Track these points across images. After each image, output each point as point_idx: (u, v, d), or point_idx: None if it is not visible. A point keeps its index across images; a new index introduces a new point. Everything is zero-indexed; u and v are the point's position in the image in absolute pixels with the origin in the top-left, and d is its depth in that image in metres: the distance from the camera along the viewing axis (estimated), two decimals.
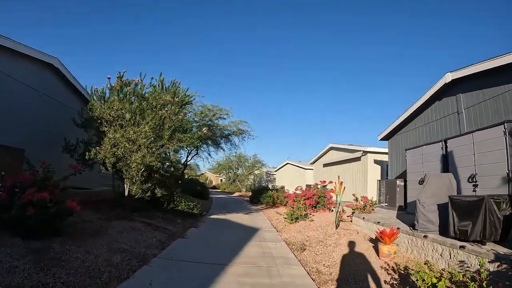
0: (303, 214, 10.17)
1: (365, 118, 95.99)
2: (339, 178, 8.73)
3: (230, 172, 40.32)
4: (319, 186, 13.84)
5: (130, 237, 6.25)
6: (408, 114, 11.70)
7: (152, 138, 7.73)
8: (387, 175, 16.88)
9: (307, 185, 23.46)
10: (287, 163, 33.36)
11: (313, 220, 9.96)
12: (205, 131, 8.25)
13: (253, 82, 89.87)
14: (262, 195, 17.69)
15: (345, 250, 6.11)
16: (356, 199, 9.84)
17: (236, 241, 6.79)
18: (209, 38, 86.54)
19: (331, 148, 21.80)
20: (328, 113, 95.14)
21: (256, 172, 39.51)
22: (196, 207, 10.61)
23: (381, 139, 14.23)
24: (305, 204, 11.49)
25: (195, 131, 8.00)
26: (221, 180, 50.74)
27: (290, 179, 31.64)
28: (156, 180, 9.00)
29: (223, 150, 14.79)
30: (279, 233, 8.32)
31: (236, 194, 32.20)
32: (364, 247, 6.24)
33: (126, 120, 8.02)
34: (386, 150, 16.85)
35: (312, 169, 26.89)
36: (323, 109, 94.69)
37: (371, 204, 9.32)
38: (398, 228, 6.00)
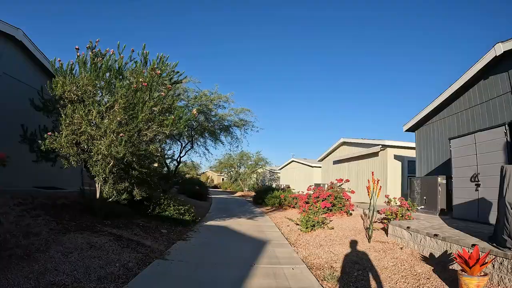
0: (320, 221, 8.16)
1: (379, 113, 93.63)
2: (373, 174, 6.74)
3: (231, 171, 38.28)
4: (334, 185, 11.85)
5: (81, 260, 4.27)
6: (443, 99, 9.67)
7: (123, 121, 5.74)
8: (409, 172, 14.89)
9: (315, 184, 21.45)
10: (292, 161, 31.36)
11: (333, 228, 7.97)
12: (194, 111, 6.24)
13: (253, 74, 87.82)
14: (267, 195, 15.70)
15: (400, 279, 4.10)
16: (389, 201, 7.80)
17: (237, 265, 4.81)
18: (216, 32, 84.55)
19: (343, 143, 19.76)
20: (333, 109, 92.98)
21: (259, 170, 37.49)
22: (188, 212, 8.62)
23: (407, 130, 12.19)
24: (320, 208, 9.48)
25: (181, 110, 5.96)
26: (223, 179, 48.80)
27: (296, 177, 29.63)
28: (134, 178, 7.02)
29: (222, 144, 12.85)
30: (294, 247, 6.31)
31: (238, 194, 30.22)
32: (424, 274, 4.24)
33: (95, 100, 6.06)
34: (408, 144, 14.91)
35: (320, 167, 24.87)
36: (329, 104, 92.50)
37: (409, 208, 7.29)
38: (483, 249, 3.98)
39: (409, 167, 14.93)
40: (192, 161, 15.03)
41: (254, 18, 73.43)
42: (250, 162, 35.57)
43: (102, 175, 6.34)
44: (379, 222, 8.20)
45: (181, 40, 79.88)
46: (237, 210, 13.21)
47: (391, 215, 7.16)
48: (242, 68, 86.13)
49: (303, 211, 11.19)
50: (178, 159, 12.73)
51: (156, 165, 7.96)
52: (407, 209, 7.25)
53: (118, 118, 5.84)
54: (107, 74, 6.49)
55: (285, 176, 33.44)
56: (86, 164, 6.53)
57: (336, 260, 5.23)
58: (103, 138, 5.78)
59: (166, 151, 14.32)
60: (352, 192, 11.21)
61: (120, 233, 6.35)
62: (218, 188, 41.86)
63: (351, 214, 10.49)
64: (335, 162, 20.68)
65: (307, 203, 11.36)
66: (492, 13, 70.57)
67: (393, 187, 14.50)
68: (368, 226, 7.74)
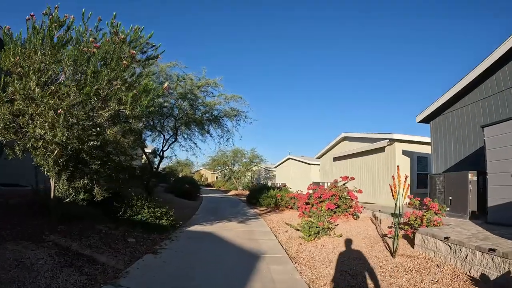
0: (325, 227, 6.72)
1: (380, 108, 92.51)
2: (398, 169, 5.29)
3: (225, 169, 36.68)
4: (338, 184, 10.42)
5: None
6: (467, 82, 8.28)
7: (71, 97, 4.25)
8: (418, 170, 13.55)
9: (313, 183, 20.03)
10: (289, 158, 29.92)
11: (341, 235, 6.55)
12: (165, 85, 4.75)
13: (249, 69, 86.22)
14: (261, 194, 14.24)
15: None
16: (411, 203, 6.36)
17: None
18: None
19: (344, 139, 18.34)
20: (332, 108, 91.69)
21: (254, 168, 35.98)
22: (166, 215, 7.12)
23: (420, 121, 10.79)
24: (325, 210, 8.06)
25: (146, 82, 4.47)
26: (217, 178, 47.23)
27: (292, 176, 28.22)
28: (93, 173, 5.54)
29: (211, 136, 11.33)
30: (295, 264, 4.84)
31: (232, 192, 28.74)
32: None
33: (36, 70, 4.53)
34: (418, 138, 13.56)
35: (318, 165, 23.46)
36: (328, 102, 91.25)
37: (437, 211, 5.87)
38: None
39: (418, 163, 13.60)
40: (175, 155, 13.44)
41: (254, 18, 71.84)
42: (244, 160, 34.05)
43: (47, 168, 4.88)
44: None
45: (181, 40, 77.94)
46: (228, 212, 11.73)
47: (415, 220, 5.73)
48: (240, 66, 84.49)
49: (303, 213, 9.76)
50: (161, 154, 11.19)
51: (121, 158, 6.44)
52: (435, 212, 5.82)
53: (63, 92, 4.35)
54: (69, 47, 4.97)
55: (281, 174, 32.01)
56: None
57: (355, 285, 3.78)
58: (41, 117, 4.28)
59: (149, 144, 12.76)
60: (360, 191, 9.78)
61: (69, 244, 4.87)
62: (212, 187, 40.29)
63: (358, 217, 9.07)
64: (335, 159, 19.28)
65: (307, 204, 9.94)
66: (492, 12, 69.75)
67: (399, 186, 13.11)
68: (385, 233, 6.33)
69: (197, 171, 59.90)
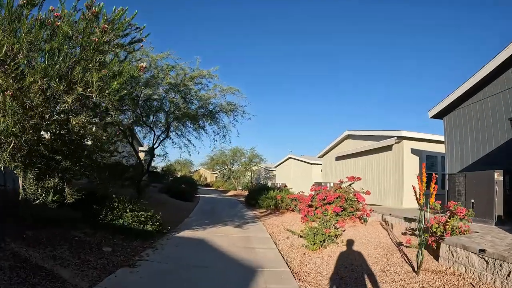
0: (332, 234, 5.92)
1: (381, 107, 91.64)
2: (423, 167, 4.50)
3: (224, 168, 35.85)
4: (343, 185, 9.63)
5: None
6: (487, 73, 7.47)
7: (27, 79, 3.47)
8: (427, 169, 12.72)
9: (315, 183, 19.23)
10: (289, 158, 29.12)
11: (350, 244, 5.72)
12: (142, 65, 3.92)
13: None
14: (261, 195, 13.43)
15: None
16: (435, 209, 5.54)
17: None
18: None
19: (348, 137, 17.54)
20: (334, 107, 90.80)
21: (253, 168, 35.16)
22: (151, 220, 6.32)
23: (433, 117, 9.97)
24: (332, 215, 7.30)
25: (114, 61, 3.66)
26: (216, 177, 46.43)
27: (293, 176, 27.43)
28: (63, 171, 4.77)
29: (206, 132, 10.49)
30: (299, 281, 4.04)
31: (231, 193, 27.94)
32: None
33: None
34: (427, 136, 12.80)
35: (320, 164, 22.66)
36: (331, 100, 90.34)
37: (463, 216, 5.06)
38: None
39: (427, 163, 12.79)
40: (166, 154, 12.63)
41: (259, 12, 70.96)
42: (243, 159, 33.24)
43: (2, 163, 4.09)
44: (410, 235, 6.01)
45: (174, 35, 77.04)
46: (224, 214, 10.94)
47: (438, 227, 4.93)
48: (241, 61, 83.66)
49: (306, 216, 8.96)
50: (152, 151, 10.37)
51: (100, 154, 5.64)
52: (461, 218, 5.02)
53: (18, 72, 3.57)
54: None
55: (281, 174, 31.22)
56: None
57: None
58: None
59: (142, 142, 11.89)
60: (368, 193, 8.99)
61: (29, 255, 4.10)
62: (210, 187, 39.47)
63: (366, 221, 8.28)
64: (338, 158, 18.49)
65: (310, 206, 9.14)
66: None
67: (411, 185, 12.33)
68: (400, 242, 5.54)
69: (196, 170, 59.10)
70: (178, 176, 43.29)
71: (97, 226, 6.05)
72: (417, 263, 4.00)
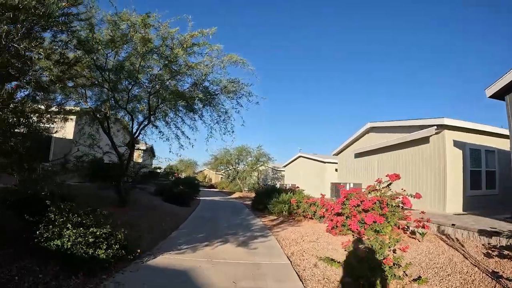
0: (396, 261, 3.60)
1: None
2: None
3: (229, 169, 33.51)
4: (380, 186, 7.34)
5: None
6: None
7: None
8: (472, 165, 10.37)
9: (332, 184, 16.88)
10: (300, 156, 26.76)
11: (424, 281, 3.39)
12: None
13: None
14: (270, 199, 11.13)
15: None
16: None
17: None
18: None
19: (371, 130, 15.14)
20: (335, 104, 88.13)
21: (260, 168, 32.80)
22: (107, 241, 4.07)
23: (492, 96, 7.55)
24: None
25: None
26: (221, 178, 44.19)
27: (304, 176, 25.05)
28: None
29: (201, 118, 8.19)
30: None
31: (236, 195, 25.62)
32: None
33: None
34: (474, 126, 10.48)
35: (335, 163, 20.26)
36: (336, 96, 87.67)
37: None
38: None
39: (471, 158, 10.45)
40: (145, 143, 10.37)
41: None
42: (250, 158, 30.86)
43: None
44: (501, 257, 3.69)
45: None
46: (226, 223, 8.66)
47: None
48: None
49: (334, 228, 6.68)
50: (131, 142, 8.12)
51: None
52: None
53: None
54: None
55: (291, 174, 28.87)
56: None
57: None
58: None
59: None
60: (418, 196, 6.65)
61: None
62: (215, 188, 37.22)
63: (422, 235, 5.94)
64: (358, 155, 16.09)
65: (340, 214, 6.84)
66: None
67: (454, 185, 10.01)
68: (495, 271, 3.22)
69: (201, 171, 56.93)
70: (183, 177, 41.27)
71: (21, 249, 3.86)
72: None
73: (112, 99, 7.04)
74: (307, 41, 76.54)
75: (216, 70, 7.16)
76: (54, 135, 12.40)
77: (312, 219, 9.04)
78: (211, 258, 4.81)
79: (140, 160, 24.26)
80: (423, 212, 6.78)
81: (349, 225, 6.45)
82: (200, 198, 18.67)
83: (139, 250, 4.58)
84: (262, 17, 70.97)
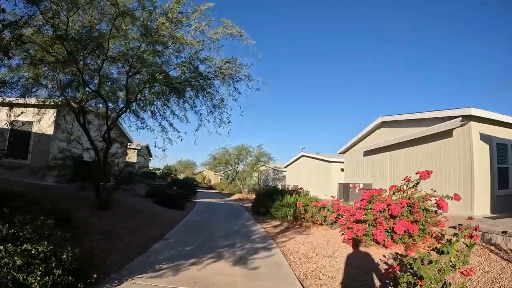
0: None
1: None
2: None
3: (228, 169, 32.14)
4: (407, 186, 6.11)
5: None
6: None
7: None
8: (499, 162, 9.14)
9: (340, 184, 15.59)
10: (302, 156, 25.48)
11: None
12: None
13: None
14: (273, 201, 9.86)
15: None
16: None
17: None
18: None
19: (383, 124, 13.87)
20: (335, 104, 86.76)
21: (261, 168, 31.47)
22: (46, 263, 2.82)
23: None
24: (390, 230, 3.62)
25: None
26: (220, 179, 42.85)
27: (307, 176, 23.76)
28: None
29: (194, 110, 6.93)
30: None
31: (236, 196, 24.30)
32: None
33: None
34: (502, 118, 9.30)
35: (341, 162, 18.98)
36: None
37: None
38: None
39: (498, 153, 9.25)
40: (123, 130, 9.06)
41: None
42: (250, 158, 29.50)
43: None
44: None
45: None
46: (221, 231, 7.36)
47: None
48: None
49: (354, 239, 5.45)
50: (107, 135, 6.82)
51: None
52: None
53: None
54: None
55: (293, 175, 27.57)
56: None
57: None
58: None
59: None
60: (456, 198, 5.40)
61: None
62: (214, 190, 35.88)
63: (449, 242, 4.65)
64: (368, 153, 14.81)
65: (360, 221, 5.57)
66: None
67: (482, 184, 8.78)
68: None
69: (200, 172, 55.54)
70: (181, 178, 39.93)
71: None
72: None
73: (81, 82, 5.75)
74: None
75: (209, 45, 5.86)
76: (33, 130, 11.25)
77: (322, 225, 7.77)
78: (197, 285, 3.54)
79: (134, 160, 23.01)
80: (445, 217, 5.52)
81: (373, 235, 5.18)
82: (197, 200, 17.36)
83: (95, 275, 3.29)
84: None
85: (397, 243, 5.32)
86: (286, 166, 29.35)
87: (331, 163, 20.44)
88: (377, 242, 5.28)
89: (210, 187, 40.04)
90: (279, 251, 5.45)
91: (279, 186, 24.21)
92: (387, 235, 5.22)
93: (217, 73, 6.45)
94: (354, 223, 5.56)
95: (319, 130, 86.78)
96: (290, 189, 16.46)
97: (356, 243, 5.45)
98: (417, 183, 5.99)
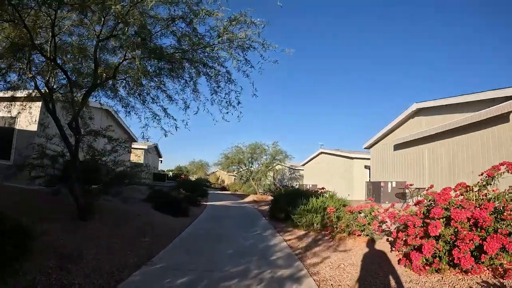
0: None
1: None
2: None
3: (241, 169, 30.41)
4: (486, 182, 4.24)
5: None
6: None
7: None
8: None
9: (369, 183, 13.76)
10: (321, 153, 23.63)
11: None
12: None
13: None
14: (295, 205, 8.14)
15: None
16: None
17: None
18: None
19: (418, 112, 11.94)
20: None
21: (277, 167, 29.68)
22: None
23: None
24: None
25: None
26: (234, 179, 41.27)
27: (327, 175, 21.87)
28: None
29: (193, 89, 5.37)
30: None
31: (250, 198, 22.62)
32: None
33: None
34: None
35: (367, 159, 17.07)
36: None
37: None
38: None
39: None
40: (126, 128, 7.49)
41: None
42: (264, 157, 27.73)
43: None
44: None
45: None
46: (232, 249, 5.69)
47: None
48: None
49: (425, 266, 3.70)
50: (74, 123, 5.21)
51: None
52: None
53: None
54: None
55: (311, 173, 25.70)
56: None
57: None
58: None
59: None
60: None
61: None
62: (227, 191, 34.31)
63: None
64: (399, 147, 12.89)
65: (428, 236, 3.81)
66: None
67: None
68: None
69: (213, 173, 54.10)
70: (193, 179, 38.66)
71: None
72: None
73: (30, 45, 4.19)
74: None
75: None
76: (16, 126, 9.93)
77: (360, 236, 6.03)
78: None
79: (141, 161, 21.74)
80: None
81: (457, 258, 3.43)
82: (208, 203, 15.84)
83: None
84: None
85: (485, 267, 3.60)
86: (303, 165, 27.51)
87: (353, 160, 18.53)
88: (460, 268, 3.55)
89: (223, 188, 38.56)
90: (313, 283, 3.74)
91: (297, 186, 22.43)
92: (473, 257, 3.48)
93: (220, 36, 4.79)
94: (421, 239, 3.81)
95: (340, 122, 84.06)
96: (308, 189, 14.72)
97: (425, 269, 3.71)
98: (492, 178, 4.25)
